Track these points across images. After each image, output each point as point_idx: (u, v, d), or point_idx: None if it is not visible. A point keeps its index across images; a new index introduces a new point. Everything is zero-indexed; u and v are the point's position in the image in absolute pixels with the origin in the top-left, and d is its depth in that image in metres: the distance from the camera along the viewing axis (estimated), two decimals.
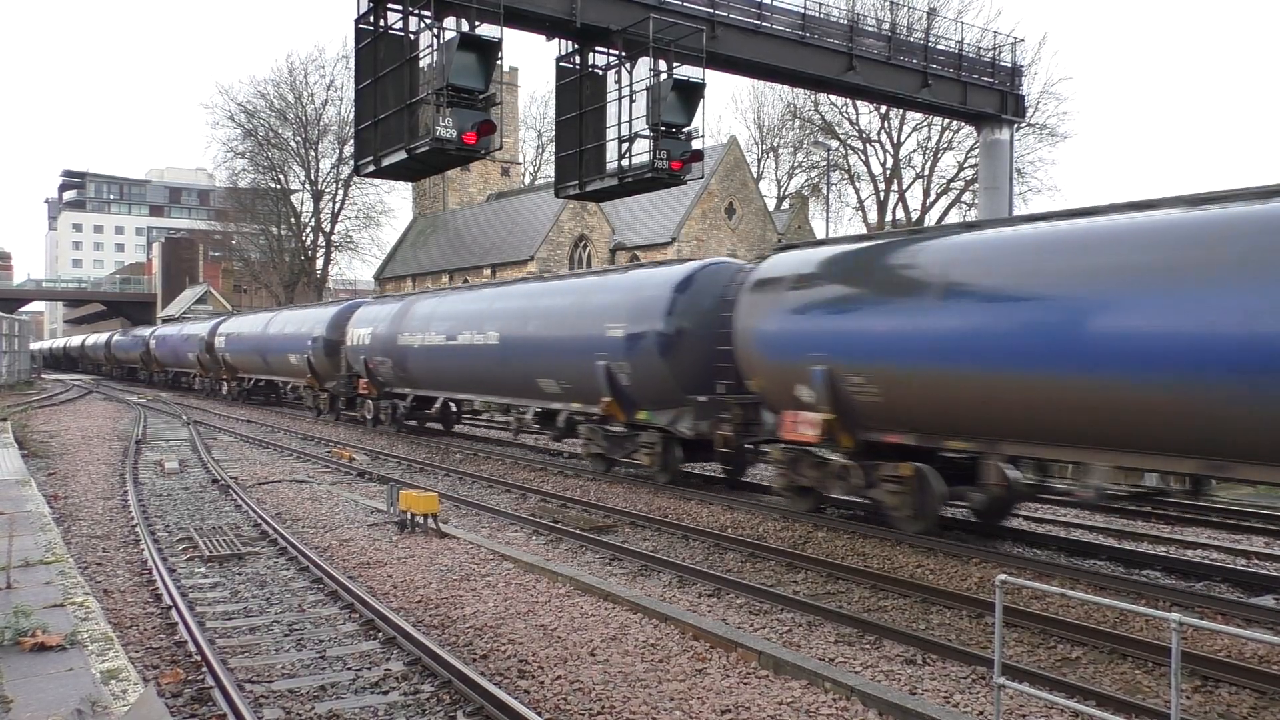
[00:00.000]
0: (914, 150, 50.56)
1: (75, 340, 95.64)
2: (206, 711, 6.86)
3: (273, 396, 41.79)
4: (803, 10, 21.88)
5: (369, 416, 28.92)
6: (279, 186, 67.09)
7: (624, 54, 18.02)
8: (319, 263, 68.13)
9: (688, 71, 17.54)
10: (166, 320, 72.93)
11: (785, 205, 62.16)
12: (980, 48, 26.50)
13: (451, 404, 26.76)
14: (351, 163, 21.45)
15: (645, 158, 17.37)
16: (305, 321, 33.30)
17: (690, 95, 17.29)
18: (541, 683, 7.45)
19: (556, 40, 18.56)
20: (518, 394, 20.94)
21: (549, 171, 71.91)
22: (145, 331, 60.74)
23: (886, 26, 27.08)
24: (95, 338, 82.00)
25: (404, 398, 26.81)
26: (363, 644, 8.44)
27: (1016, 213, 32.03)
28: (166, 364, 54.38)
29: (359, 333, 28.43)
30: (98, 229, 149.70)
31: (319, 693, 7.26)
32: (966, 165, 47.27)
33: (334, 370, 30.67)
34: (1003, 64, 26.37)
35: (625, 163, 17.79)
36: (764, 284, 14.48)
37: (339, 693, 7.28)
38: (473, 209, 69.25)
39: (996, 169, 26.76)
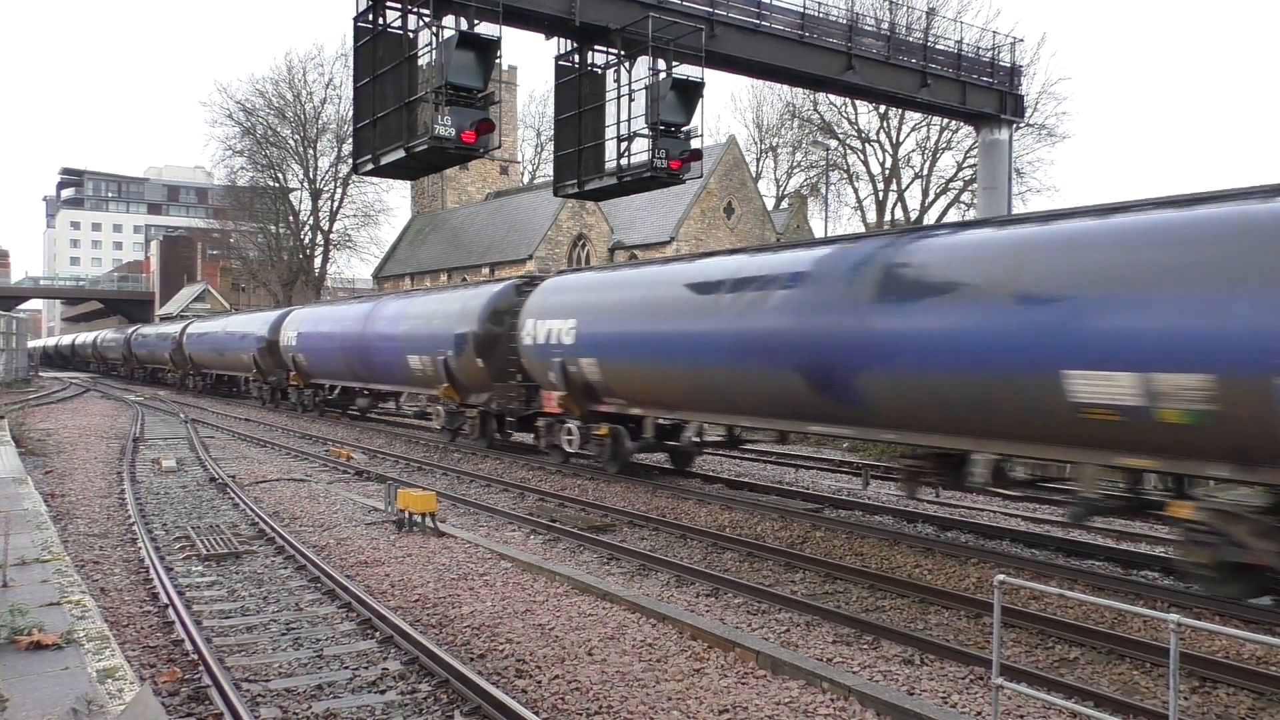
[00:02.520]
0: (913, 150, 50.55)
1: (109, 336, 71.04)
2: (203, 710, 6.84)
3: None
4: (802, 10, 21.90)
5: None
6: (277, 185, 66.97)
7: (623, 53, 18.04)
8: (317, 261, 68.06)
9: (687, 71, 17.56)
10: (165, 318, 72.77)
11: (784, 205, 62.12)
12: (979, 48, 26.53)
13: None
14: (350, 161, 21.45)
15: (644, 157, 17.40)
16: None
17: (689, 94, 17.30)
18: (539, 682, 7.43)
19: (556, 39, 18.57)
20: None
21: (548, 170, 71.91)
22: (255, 321, 38.44)
23: (886, 26, 27.07)
24: (146, 330, 60.15)
25: None
26: (360, 643, 8.42)
27: (1015, 212, 32.03)
28: (315, 373, 32.45)
29: None
30: (96, 227, 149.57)
31: (316, 692, 7.25)
32: (965, 165, 47.25)
33: None
34: (1002, 64, 26.40)
35: (624, 162, 17.82)
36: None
37: (336, 692, 7.26)
38: (471, 208, 69.19)
39: (995, 169, 26.78)
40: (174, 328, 51.34)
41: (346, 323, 29.30)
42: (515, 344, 20.04)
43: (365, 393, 30.89)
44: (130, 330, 63.81)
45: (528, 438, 22.32)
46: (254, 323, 38.87)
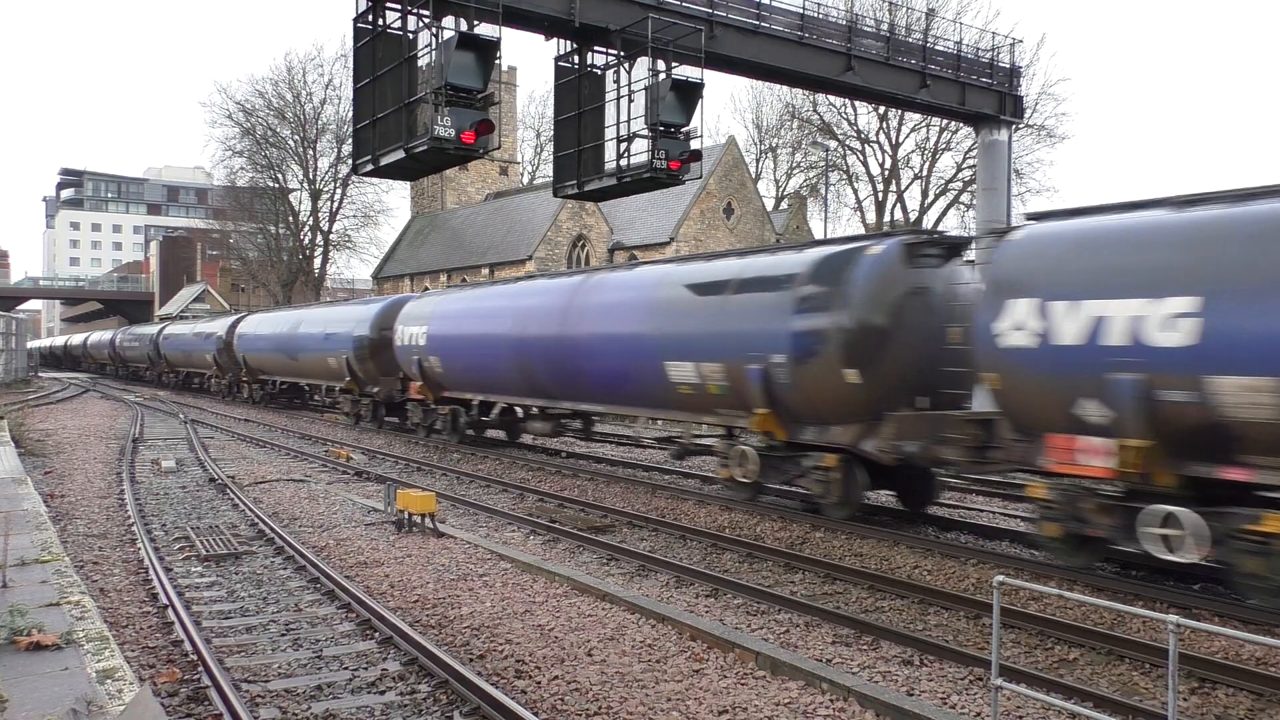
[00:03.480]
0: (912, 151, 50.57)
1: (129, 335, 63.35)
2: (203, 711, 6.85)
3: None
4: (801, 10, 21.90)
5: None
6: (277, 185, 66.98)
7: (623, 54, 18.03)
8: (317, 262, 68.07)
9: (686, 71, 17.55)
10: (164, 318, 72.67)
11: (783, 205, 62.14)
12: (979, 48, 26.55)
13: None
14: (350, 162, 21.40)
15: (643, 157, 17.38)
16: None
17: (688, 95, 17.30)
18: (538, 683, 7.43)
19: (555, 40, 18.56)
20: None
21: (547, 171, 71.88)
22: (347, 317, 30.82)
23: (885, 27, 27.07)
24: (178, 327, 52.60)
25: None
26: (359, 644, 8.43)
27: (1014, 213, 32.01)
28: (456, 384, 24.35)
29: None
30: (95, 227, 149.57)
31: (315, 692, 7.25)
32: (965, 166, 47.26)
33: None
34: (1001, 65, 26.40)
35: (624, 162, 17.80)
36: None
37: (335, 692, 7.26)
38: (471, 208, 69.18)
39: (995, 170, 26.77)
40: (218, 325, 43.37)
41: (526, 315, 20.95)
42: (979, 342, 11.23)
43: (546, 413, 21.80)
44: (157, 328, 56.66)
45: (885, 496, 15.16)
46: (345, 319, 30.00)
